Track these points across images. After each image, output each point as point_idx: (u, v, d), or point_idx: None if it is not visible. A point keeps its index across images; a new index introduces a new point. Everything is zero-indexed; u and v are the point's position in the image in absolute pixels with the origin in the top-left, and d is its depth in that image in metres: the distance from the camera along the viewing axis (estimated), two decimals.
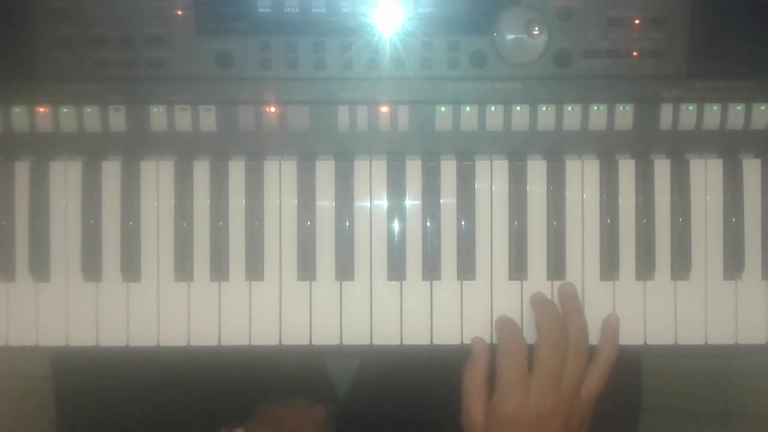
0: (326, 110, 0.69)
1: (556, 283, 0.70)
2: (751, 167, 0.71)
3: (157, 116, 0.69)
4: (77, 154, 0.71)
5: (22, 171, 0.71)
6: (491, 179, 0.71)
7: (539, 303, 0.69)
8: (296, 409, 0.82)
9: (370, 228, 0.71)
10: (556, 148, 0.70)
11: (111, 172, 0.71)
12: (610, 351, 0.68)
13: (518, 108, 0.69)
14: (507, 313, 0.70)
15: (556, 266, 0.70)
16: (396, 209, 0.70)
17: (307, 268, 0.70)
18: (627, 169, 0.71)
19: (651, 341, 0.71)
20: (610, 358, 0.68)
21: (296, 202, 0.71)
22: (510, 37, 0.67)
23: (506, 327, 0.68)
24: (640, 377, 0.90)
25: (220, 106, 0.69)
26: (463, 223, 0.70)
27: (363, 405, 0.90)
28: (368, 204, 0.71)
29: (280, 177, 0.71)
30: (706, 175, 0.71)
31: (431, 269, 0.70)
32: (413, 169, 0.71)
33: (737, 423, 1.42)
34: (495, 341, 0.70)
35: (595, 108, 0.69)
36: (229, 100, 0.69)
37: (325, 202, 0.71)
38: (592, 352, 0.69)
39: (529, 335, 0.69)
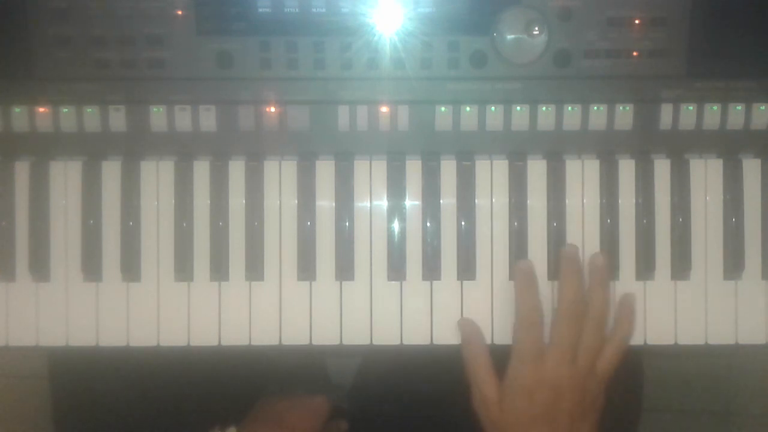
0: (326, 110, 0.69)
1: (557, 283, 0.70)
2: (751, 167, 0.71)
3: (157, 116, 0.69)
4: (77, 154, 0.71)
5: (22, 171, 0.71)
6: (491, 179, 0.71)
7: (567, 271, 0.67)
8: (296, 403, 0.82)
9: (370, 228, 0.71)
10: (556, 148, 0.70)
11: (111, 172, 0.71)
12: (626, 328, 0.68)
13: (518, 108, 0.69)
14: (507, 313, 0.70)
15: (557, 266, 0.70)
16: (396, 209, 0.70)
17: (307, 268, 0.70)
18: (627, 169, 0.71)
19: (651, 341, 0.71)
20: (626, 336, 0.68)
21: (296, 202, 0.71)
22: (510, 37, 0.67)
23: (526, 299, 0.67)
24: (640, 377, 0.90)
25: (220, 106, 0.69)
26: (463, 223, 0.70)
27: (363, 405, 0.90)
28: (368, 204, 0.71)
29: (280, 177, 0.71)
30: (706, 175, 0.71)
31: (431, 269, 0.70)
32: (413, 169, 0.71)
33: (737, 423, 1.42)
34: (496, 341, 0.70)
35: (595, 108, 0.69)
36: (229, 100, 0.69)
37: (325, 202, 0.71)
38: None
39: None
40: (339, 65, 0.68)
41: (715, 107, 0.69)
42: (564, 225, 0.70)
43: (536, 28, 0.66)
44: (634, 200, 0.71)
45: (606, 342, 0.67)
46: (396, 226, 0.70)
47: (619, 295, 0.70)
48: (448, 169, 0.71)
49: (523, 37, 0.67)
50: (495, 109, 0.69)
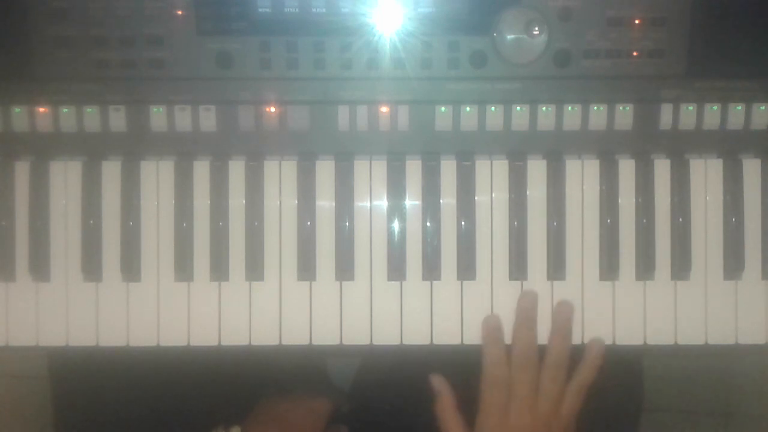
0: (326, 110, 0.69)
1: (557, 283, 0.70)
2: (751, 167, 0.71)
3: (157, 116, 0.69)
4: (77, 154, 0.71)
5: (22, 171, 0.71)
6: (491, 179, 0.71)
7: (518, 322, 0.70)
8: (296, 405, 0.82)
9: (370, 228, 0.71)
10: (556, 148, 0.70)
11: (111, 172, 0.71)
12: (589, 373, 0.70)
13: (518, 108, 0.69)
14: (507, 313, 0.70)
15: (556, 266, 0.70)
16: (396, 209, 0.70)
17: (307, 268, 0.70)
18: (627, 169, 0.71)
19: (651, 341, 0.71)
20: (587, 380, 0.70)
21: (296, 202, 0.71)
22: (510, 37, 0.67)
23: (492, 353, 0.69)
24: (640, 377, 0.90)
25: (220, 106, 0.69)
26: (463, 223, 0.70)
27: (363, 405, 0.90)
28: (368, 204, 0.71)
29: (280, 177, 0.71)
30: (706, 175, 0.71)
31: (431, 269, 0.70)
32: (413, 169, 0.71)
33: (737, 423, 1.42)
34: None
35: (595, 108, 0.69)
36: (229, 100, 0.69)
37: (325, 202, 0.71)
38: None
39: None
40: (339, 65, 0.68)
41: (715, 107, 0.69)
42: (564, 224, 0.70)
43: (536, 28, 0.66)
44: (634, 200, 0.71)
45: (569, 383, 0.69)
46: (396, 226, 0.70)
47: (620, 296, 0.70)
48: (448, 169, 0.71)
49: (523, 37, 0.67)
50: (495, 109, 0.69)
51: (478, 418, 0.69)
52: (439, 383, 0.72)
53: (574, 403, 0.69)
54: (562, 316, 0.70)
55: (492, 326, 0.70)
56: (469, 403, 0.70)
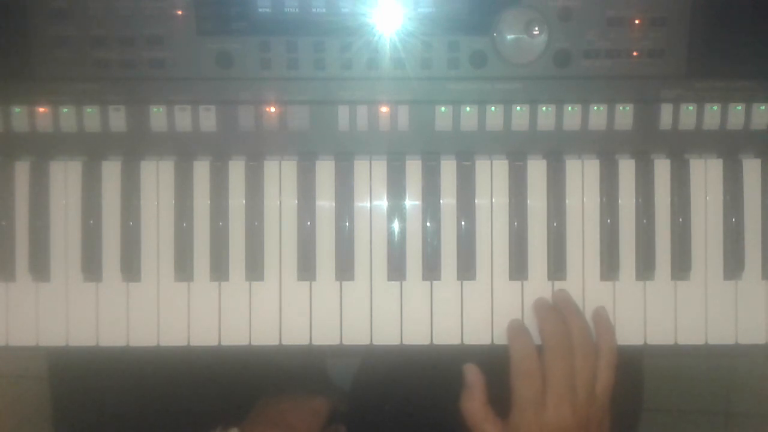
0: (326, 110, 0.69)
1: (557, 283, 0.71)
2: (751, 167, 0.71)
3: (157, 116, 0.69)
4: (77, 154, 0.71)
5: (22, 171, 0.71)
6: (491, 179, 0.71)
7: (541, 312, 0.69)
8: (296, 404, 0.82)
9: (370, 228, 0.71)
10: (556, 148, 0.70)
11: (111, 172, 0.71)
12: (609, 341, 0.68)
13: (518, 108, 0.69)
14: (507, 313, 0.70)
15: (557, 266, 0.70)
16: (396, 209, 0.70)
17: (307, 268, 0.70)
18: (627, 169, 0.71)
19: (651, 341, 0.71)
20: (612, 349, 0.68)
21: (296, 202, 0.71)
22: (510, 37, 0.67)
23: (520, 347, 0.67)
24: (640, 377, 0.90)
25: (220, 106, 0.69)
26: (463, 223, 0.70)
27: (363, 405, 0.90)
28: (368, 204, 0.71)
29: (280, 177, 0.71)
30: (706, 175, 0.71)
31: (431, 269, 0.70)
32: (413, 169, 0.71)
33: (737, 423, 1.42)
34: (496, 341, 0.70)
35: (595, 108, 0.69)
36: (229, 100, 0.69)
37: (325, 202, 0.71)
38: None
39: (533, 335, 0.69)
40: (339, 65, 0.68)
41: (715, 107, 0.69)
42: (564, 225, 0.70)
43: (536, 28, 0.66)
44: (634, 200, 0.71)
45: (597, 363, 0.67)
46: (396, 226, 0.70)
47: (620, 296, 0.70)
48: (448, 169, 0.71)
49: (523, 37, 0.67)
50: (495, 109, 0.69)
51: (513, 415, 0.66)
52: (473, 376, 0.69)
53: (607, 380, 0.67)
54: (563, 296, 0.70)
55: (518, 325, 0.69)
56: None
